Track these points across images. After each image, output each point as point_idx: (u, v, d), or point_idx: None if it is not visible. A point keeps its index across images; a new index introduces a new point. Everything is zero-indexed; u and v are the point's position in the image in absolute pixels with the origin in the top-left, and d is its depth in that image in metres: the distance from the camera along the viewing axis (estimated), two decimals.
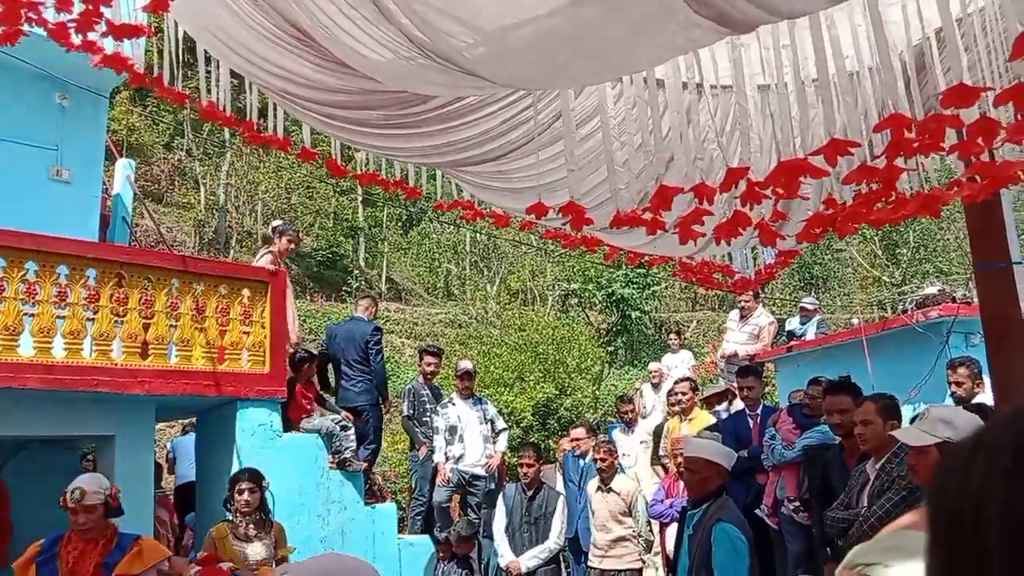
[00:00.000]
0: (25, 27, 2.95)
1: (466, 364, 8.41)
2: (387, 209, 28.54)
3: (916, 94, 2.46)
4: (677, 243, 2.80)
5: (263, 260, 7.60)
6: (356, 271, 25.56)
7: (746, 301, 9.44)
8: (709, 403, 8.11)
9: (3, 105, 7.49)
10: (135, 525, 6.13)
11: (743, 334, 9.38)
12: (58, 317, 5.75)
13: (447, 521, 7.39)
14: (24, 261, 5.64)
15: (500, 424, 8.32)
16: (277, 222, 8.44)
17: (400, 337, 21.05)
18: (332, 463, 7.07)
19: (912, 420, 4.26)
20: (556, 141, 2.98)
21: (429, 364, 8.42)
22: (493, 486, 8.12)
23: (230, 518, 5.28)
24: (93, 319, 5.96)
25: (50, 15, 2.97)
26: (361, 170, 4.80)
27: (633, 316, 21.22)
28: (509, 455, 10.25)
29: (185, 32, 3.84)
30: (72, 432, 6.19)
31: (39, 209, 7.27)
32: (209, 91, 4.28)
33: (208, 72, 4.17)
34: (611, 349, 20.95)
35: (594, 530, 6.54)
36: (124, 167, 9.54)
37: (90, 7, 2.95)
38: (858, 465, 4.42)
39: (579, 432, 7.99)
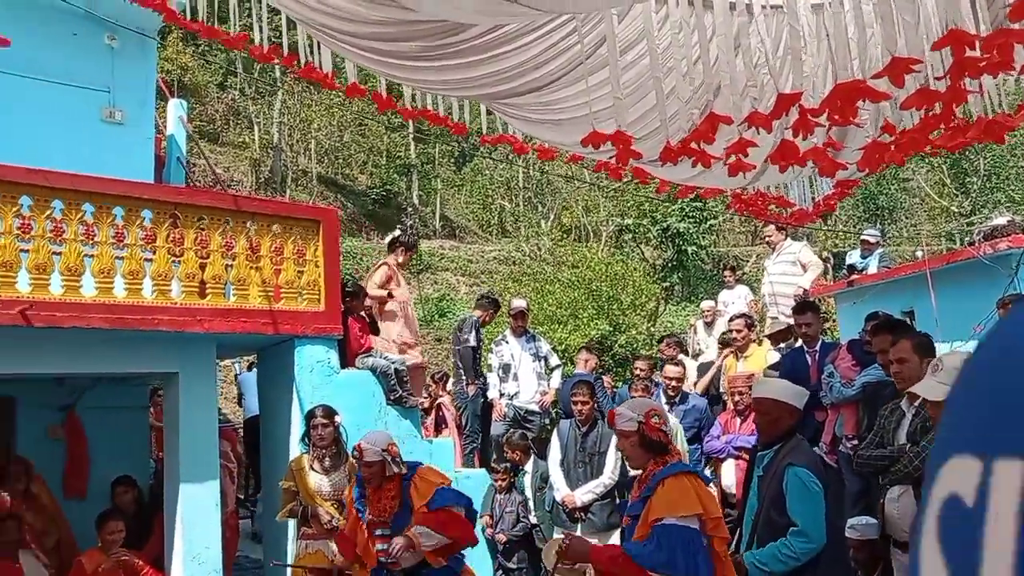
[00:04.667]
0: None
1: (520, 303, 8.41)
2: (439, 145, 28.40)
3: (984, 13, 2.26)
4: (726, 175, 2.68)
5: (378, 273, 7.64)
6: (409, 208, 25.63)
7: (769, 235, 9.21)
8: (774, 341, 7.96)
9: (55, 48, 7.56)
10: (200, 456, 6.39)
11: (778, 265, 9.09)
12: (117, 258, 5.89)
13: (504, 456, 7.48)
14: (81, 203, 5.75)
15: (554, 361, 8.34)
16: (396, 232, 8.42)
17: (455, 275, 21.15)
18: (390, 399, 7.19)
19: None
20: (600, 68, 2.85)
21: (487, 310, 8.39)
22: (548, 422, 8.20)
23: (305, 451, 5.50)
24: (151, 259, 6.08)
25: None
26: (408, 107, 4.73)
27: (689, 251, 20.80)
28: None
29: None
30: (136, 369, 6.38)
31: (94, 151, 7.40)
32: (254, 29, 4.23)
33: (247, 7, 4.11)
34: (667, 285, 20.67)
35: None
36: (176, 107, 9.62)
37: None
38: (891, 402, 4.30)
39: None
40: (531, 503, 6.78)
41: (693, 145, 2.41)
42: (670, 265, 21.24)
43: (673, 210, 20.25)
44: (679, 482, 3.32)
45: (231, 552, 7.34)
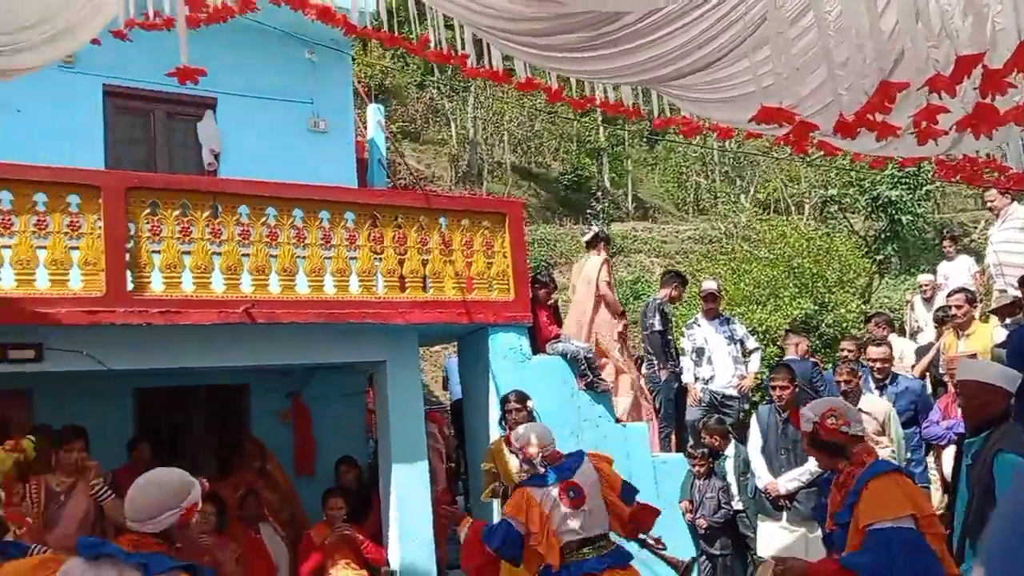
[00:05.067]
0: None
1: (710, 285, 8.17)
2: (629, 126, 28.10)
3: None
4: (915, 144, 2.46)
5: (603, 271, 7.76)
6: (600, 192, 25.60)
7: (992, 200, 8.24)
8: (1001, 316, 7.19)
9: (261, 66, 8.36)
10: (407, 437, 6.83)
11: (1004, 232, 8.10)
12: (325, 258, 6.41)
13: (701, 441, 7.34)
14: (292, 209, 6.33)
15: (751, 344, 8.03)
16: (596, 227, 8.48)
17: (648, 256, 20.89)
18: (581, 385, 7.28)
19: None
20: (767, 43, 2.71)
21: (674, 287, 8.23)
22: (747, 407, 7.93)
23: (504, 434, 5.77)
24: (355, 258, 6.57)
25: None
26: (576, 96, 4.75)
27: (904, 221, 19.04)
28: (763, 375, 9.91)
29: None
30: (348, 359, 6.92)
31: (303, 159, 8.11)
32: (430, 33, 4.43)
33: (421, 14, 4.31)
34: (880, 258, 19.12)
35: None
36: (374, 112, 10.28)
37: None
38: None
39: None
40: (734, 488, 6.60)
41: (870, 117, 2.24)
42: (883, 236, 19.56)
43: (883, 177, 18.61)
44: (884, 483, 3.16)
45: (444, 528, 7.76)
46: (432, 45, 4.19)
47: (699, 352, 7.79)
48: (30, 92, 6.90)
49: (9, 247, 5.37)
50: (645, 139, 29.62)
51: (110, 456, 6.10)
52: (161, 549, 2.54)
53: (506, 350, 7.14)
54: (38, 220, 5.45)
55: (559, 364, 7.30)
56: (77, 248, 5.56)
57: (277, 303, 6.12)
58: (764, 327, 11.99)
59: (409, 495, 6.72)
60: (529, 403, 5.81)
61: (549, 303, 7.59)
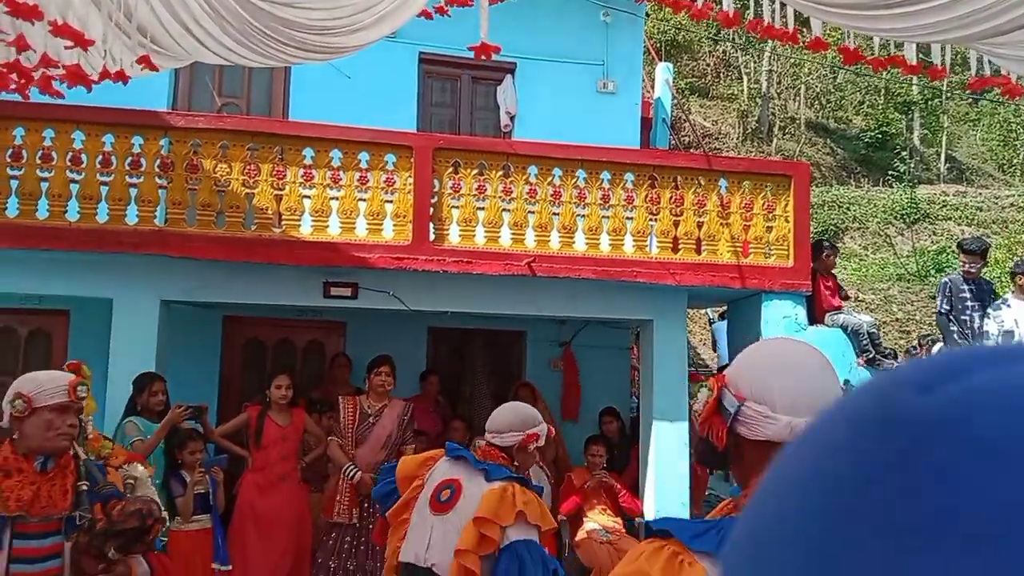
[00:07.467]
0: None
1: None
2: (948, 77, 25.02)
3: None
4: None
5: None
6: (907, 151, 23.14)
7: None
8: None
9: (557, 30, 8.66)
10: (670, 397, 6.93)
11: None
12: (603, 217, 6.64)
13: None
14: (575, 169, 6.62)
15: None
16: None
17: (959, 224, 18.63)
18: (860, 362, 6.88)
19: None
20: None
21: (964, 263, 7.37)
22: None
23: None
24: (631, 218, 6.72)
25: None
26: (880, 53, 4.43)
27: None
28: None
29: None
30: (617, 315, 7.14)
31: (590, 120, 8.35)
32: None
33: None
34: None
35: None
36: (663, 71, 10.23)
37: None
38: None
39: None
40: None
41: None
42: None
43: None
44: None
45: (701, 489, 7.80)
46: (723, 5, 4.14)
47: (1008, 335, 6.96)
48: (358, 60, 7.81)
49: (337, 199, 6.25)
50: (968, 92, 26.21)
51: (404, 385, 6.91)
52: (505, 462, 3.13)
53: (780, 318, 6.92)
54: (361, 176, 6.27)
55: (838, 337, 6.94)
56: (391, 201, 6.32)
57: (556, 258, 6.48)
58: None
59: (668, 452, 6.84)
60: None
61: (832, 273, 7.20)
